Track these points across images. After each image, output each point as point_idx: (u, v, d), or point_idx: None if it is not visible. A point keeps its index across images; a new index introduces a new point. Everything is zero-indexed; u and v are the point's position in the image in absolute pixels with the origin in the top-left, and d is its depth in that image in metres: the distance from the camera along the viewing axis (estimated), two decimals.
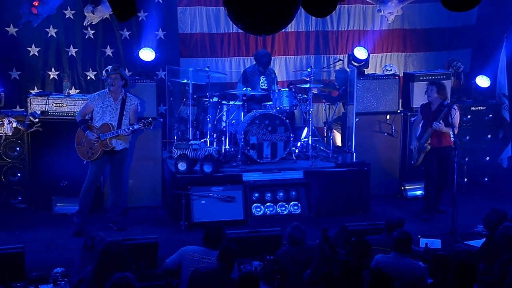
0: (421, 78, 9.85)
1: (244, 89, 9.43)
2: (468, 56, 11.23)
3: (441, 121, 8.60)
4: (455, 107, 8.68)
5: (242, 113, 9.31)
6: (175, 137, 9.40)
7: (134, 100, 8.36)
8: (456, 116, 8.64)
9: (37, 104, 9.07)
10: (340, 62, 10.31)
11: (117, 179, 8.36)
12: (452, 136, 8.58)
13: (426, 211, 8.89)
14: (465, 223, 8.35)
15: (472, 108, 10.21)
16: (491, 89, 10.38)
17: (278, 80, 10.11)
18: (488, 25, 10.86)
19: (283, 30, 5.13)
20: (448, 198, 8.62)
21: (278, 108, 9.32)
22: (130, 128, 8.13)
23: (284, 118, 9.22)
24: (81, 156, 8.27)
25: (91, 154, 8.14)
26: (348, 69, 10.07)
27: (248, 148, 9.07)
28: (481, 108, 10.26)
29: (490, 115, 10.27)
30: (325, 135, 10.29)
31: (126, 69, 9.83)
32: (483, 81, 10.33)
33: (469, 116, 10.18)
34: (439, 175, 8.89)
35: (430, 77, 9.70)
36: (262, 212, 8.72)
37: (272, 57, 10.30)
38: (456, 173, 8.23)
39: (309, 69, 9.50)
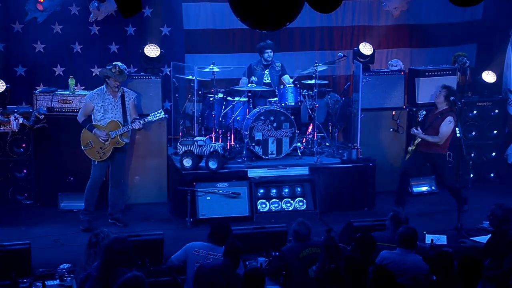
0: (426, 73, 9.83)
1: (249, 84, 9.42)
2: (474, 51, 11.18)
3: (418, 128, 8.55)
4: (450, 119, 8.49)
5: (247, 109, 9.31)
6: (180, 134, 9.41)
7: (131, 95, 8.38)
8: (448, 127, 8.46)
9: (42, 101, 9.08)
10: (344, 58, 10.29)
11: (119, 176, 8.35)
12: (458, 133, 8.55)
13: (396, 203, 8.78)
14: (470, 219, 8.34)
15: (478, 104, 10.17)
16: (497, 84, 10.34)
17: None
18: (494, 20, 10.81)
19: (287, 26, 5.11)
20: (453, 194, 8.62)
21: (283, 104, 9.32)
22: (142, 121, 8.16)
23: (289, 114, 9.21)
24: (91, 158, 8.19)
25: (102, 154, 8.11)
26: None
27: (253, 144, 9.07)
28: (487, 103, 10.21)
29: (496, 111, 10.22)
30: (330, 131, 10.27)
31: (131, 65, 9.85)
32: (489, 76, 10.29)
33: (475, 112, 10.14)
34: (437, 181, 9.27)
35: (436, 73, 9.66)
36: (267, 208, 8.71)
37: (277, 53, 10.24)
38: (461, 169, 8.21)
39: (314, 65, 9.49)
